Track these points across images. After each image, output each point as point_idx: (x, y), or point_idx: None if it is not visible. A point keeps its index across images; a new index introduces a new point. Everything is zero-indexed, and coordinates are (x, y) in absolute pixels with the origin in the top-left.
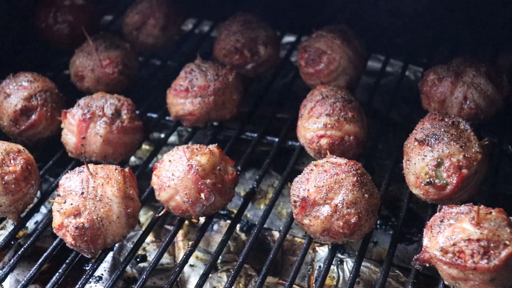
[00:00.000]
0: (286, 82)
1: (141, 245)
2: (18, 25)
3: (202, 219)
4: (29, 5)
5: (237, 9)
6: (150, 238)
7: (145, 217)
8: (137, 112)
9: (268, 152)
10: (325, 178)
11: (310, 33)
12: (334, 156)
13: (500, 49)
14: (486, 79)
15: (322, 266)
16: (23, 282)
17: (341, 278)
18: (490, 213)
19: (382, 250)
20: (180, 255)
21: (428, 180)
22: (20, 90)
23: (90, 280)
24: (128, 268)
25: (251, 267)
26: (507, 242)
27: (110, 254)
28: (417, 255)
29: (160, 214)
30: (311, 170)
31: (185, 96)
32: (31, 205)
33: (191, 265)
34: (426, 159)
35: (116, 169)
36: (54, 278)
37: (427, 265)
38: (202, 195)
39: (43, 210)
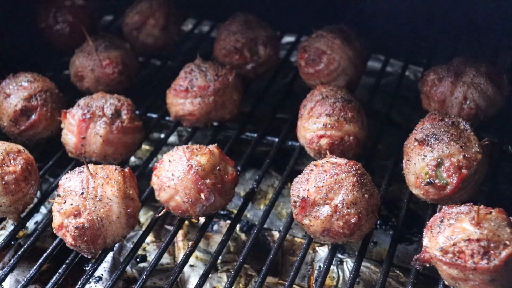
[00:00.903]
0: (286, 82)
1: (141, 245)
2: (18, 25)
3: (202, 219)
4: (29, 5)
5: (237, 9)
6: (150, 238)
7: (145, 217)
8: (137, 112)
9: (268, 152)
10: (325, 178)
11: (310, 33)
12: (334, 156)
13: (500, 49)
14: (486, 79)
15: (322, 266)
16: (23, 282)
17: (341, 278)
18: (490, 213)
19: (382, 250)
20: (180, 255)
21: (428, 180)
22: (20, 90)
23: (90, 280)
24: (128, 268)
25: (251, 267)
26: (507, 242)
27: (110, 254)
28: (417, 255)
29: (160, 214)
30: (311, 170)
31: (185, 96)
32: (31, 205)
33: (191, 265)
34: (426, 159)
35: (116, 169)
36: (54, 278)
37: (427, 265)
38: (202, 195)
39: (43, 210)
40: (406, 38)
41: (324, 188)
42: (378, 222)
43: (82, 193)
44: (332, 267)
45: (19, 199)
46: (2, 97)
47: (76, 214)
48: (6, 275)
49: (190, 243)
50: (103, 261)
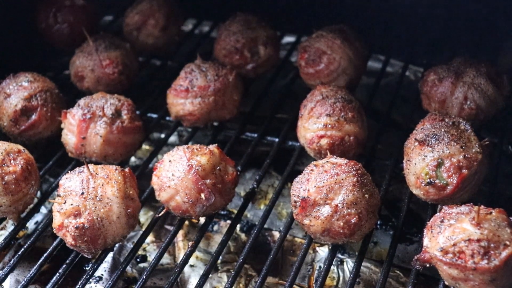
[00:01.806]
0: (286, 82)
1: (141, 245)
2: (18, 25)
3: (202, 219)
4: (29, 5)
5: (237, 9)
6: (150, 238)
7: (145, 217)
8: (137, 112)
9: (268, 152)
10: (326, 178)
11: (310, 33)
12: (334, 156)
13: (500, 49)
14: (486, 79)
15: (322, 267)
16: (23, 282)
17: (341, 278)
18: (490, 213)
19: (382, 250)
20: (180, 255)
21: (429, 180)
22: (20, 90)
23: (90, 280)
24: (128, 268)
25: (251, 267)
26: (507, 243)
27: (110, 254)
28: (418, 256)
29: (160, 214)
30: (311, 170)
31: (185, 96)
32: (31, 205)
33: (191, 265)
34: (426, 160)
35: (116, 169)
36: (54, 278)
37: (428, 265)
38: (202, 195)
39: (43, 210)
40: (406, 38)
41: (325, 188)
42: (378, 222)
43: (82, 193)
44: (332, 267)
45: (19, 199)
46: (2, 97)
47: (76, 214)
48: (6, 275)
49: (190, 243)
50: (103, 261)
